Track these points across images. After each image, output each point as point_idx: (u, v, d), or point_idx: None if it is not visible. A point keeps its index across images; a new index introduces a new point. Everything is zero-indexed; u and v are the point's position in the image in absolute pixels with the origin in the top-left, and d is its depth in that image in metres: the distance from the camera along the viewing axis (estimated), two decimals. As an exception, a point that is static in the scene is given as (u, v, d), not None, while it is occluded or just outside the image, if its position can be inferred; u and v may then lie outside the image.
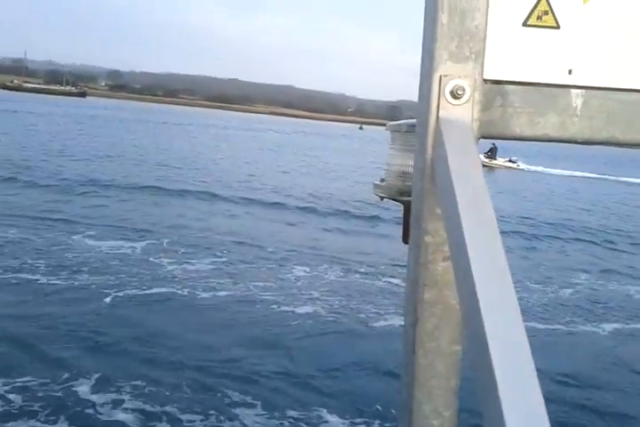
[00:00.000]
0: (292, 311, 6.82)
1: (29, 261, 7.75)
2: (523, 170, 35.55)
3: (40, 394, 4.56)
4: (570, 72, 0.87)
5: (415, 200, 0.89)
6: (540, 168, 38.24)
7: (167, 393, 4.73)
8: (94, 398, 4.58)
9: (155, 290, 7.13)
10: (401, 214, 1.14)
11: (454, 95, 0.83)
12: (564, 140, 0.90)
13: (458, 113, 0.83)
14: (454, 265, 0.73)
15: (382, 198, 1.24)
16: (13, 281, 6.97)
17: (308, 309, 6.94)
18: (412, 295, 0.90)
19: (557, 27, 0.86)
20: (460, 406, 0.90)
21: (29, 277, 7.17)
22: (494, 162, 33.94)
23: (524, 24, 0.85)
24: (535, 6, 0.85)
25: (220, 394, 4.82)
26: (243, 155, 28.83)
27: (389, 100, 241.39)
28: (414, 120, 0.95)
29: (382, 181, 1.24)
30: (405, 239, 1.01)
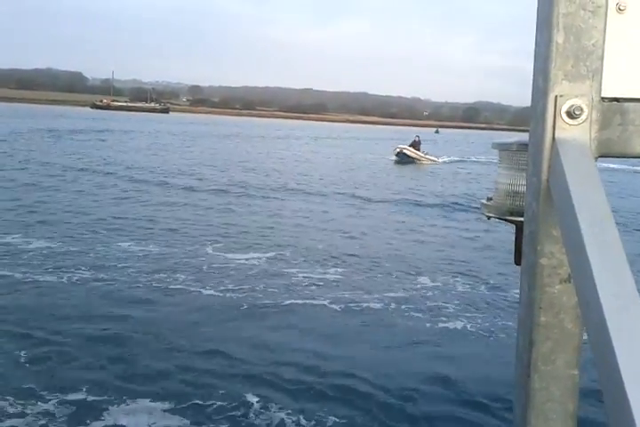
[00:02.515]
0: (446, 328, 6.73)
1: (175, 273, 8.25)
2: (444, 162, 33.80)
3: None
4: None
5: (528, 221, 0.87)
6: (446, 158, 35.84)
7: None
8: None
9: (309, 300, 7.42)
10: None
11: (571, 115, 0.81)
12: None
13: (575, 133, 0.81)
14: (578, 290, 0.70)
15: (489, 218, 1.20)
16: (170, 292, 7.46)
17: (457, 325, 6.80)
18: (526, 318, 0.88)
19: None
20: None
21: (184, 287, 7.66)
22: (418, 155, 31.76)
23: None
24: None
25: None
26: (336, 163, 29.20)
27: (466, 102, 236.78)
28: (525, 139, 0.94)
29: (489, 199, 1.20)
30: (518, 261, 0.99)
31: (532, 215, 0.86)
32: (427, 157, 32.34)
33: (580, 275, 0.67)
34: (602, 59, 0.82)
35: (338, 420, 4.63)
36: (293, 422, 4.57)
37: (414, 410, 4.88)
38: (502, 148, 1.15)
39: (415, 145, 32.11)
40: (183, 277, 8.19)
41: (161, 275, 8.17)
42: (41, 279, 7.55)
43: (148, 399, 4.75)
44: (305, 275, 8.63)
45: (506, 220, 1.15)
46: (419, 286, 8.51)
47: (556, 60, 0.81)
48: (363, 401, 4.94)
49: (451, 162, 34.92)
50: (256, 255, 9.68)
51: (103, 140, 35.13)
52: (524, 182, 0.93)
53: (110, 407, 4.58)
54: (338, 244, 11.05)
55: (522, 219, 0.92)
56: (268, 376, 5.28)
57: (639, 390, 0.53)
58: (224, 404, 4.75)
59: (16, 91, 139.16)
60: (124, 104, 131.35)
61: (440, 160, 33.74)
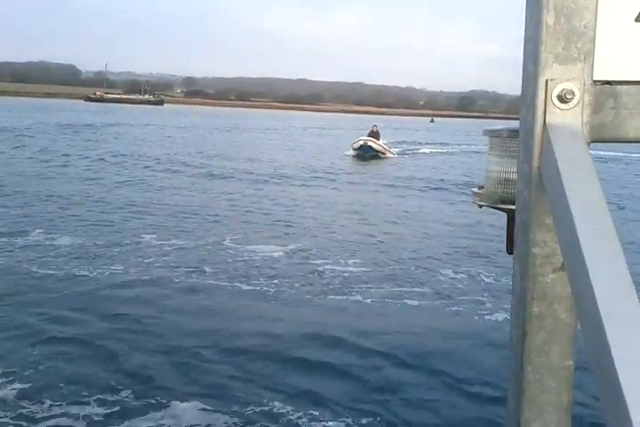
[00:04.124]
0: (489, 320, 6.66)
1: (202, 267, 8.29)
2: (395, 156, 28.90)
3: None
4: None
5: (520, 209, 0.85)
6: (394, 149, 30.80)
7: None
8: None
9: (343, 296, 7.40)
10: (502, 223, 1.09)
11: (562, 99, 0.79)
12: None
13: (566, 118, 0.79)
14: (571, 279, 0.69)
15: (481, 206, 1.17)
16: (202, 287, 7.47)
17: (500, 316, 6.71)
18: (519, 309, 0.86)
19: None
20: (573, 424, 0.87)
21: (212, 282, 7.69)
22: (383, 148, 26.94)
23: (638, 19, 0.80)
24: None
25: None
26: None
27: (461, 91, 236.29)
28: (515, 125, 0.92)
29: (481, 188, 1.18)
30: (510, 249, 0.97)
31: (523, 203, 0.84)
32: (389, 149, 27.91)
33: (573, 264, 0.66)
34: (593, 40, 0.79)
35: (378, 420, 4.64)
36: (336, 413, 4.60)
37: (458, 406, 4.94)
38: (493, 134, 1.12)
39: (374, 135, 27.11)
40: (210, 270, 8.21)
41: (188, 269, 8.17)
42: (71, 275, 7.56)
43: (184, 399, 4.68)
44: (330, 267, 8.68)
45: (497, 208, 1.13)
46: (442, 278, 8.56)
47: (547, 42, 0.78)
48: (422, 403, 4.93)
49: (403, 153, 31.14)
50: (276, 247, 9.70)
51: (116, 134, 35.09)
52: (516, 170, 0.91)
53: (145, 407, 4.52)
54: (354, 234, 11.11)
55: (513, 207, 0.90)
56: (315, 376, 5.20)
57: (633, 381, 0.53)
58: (261, 402, 4.71)
59: (9, 84, 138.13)
60: (118, 96, 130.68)
61: (395, 151, 29.47)
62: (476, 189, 1.19)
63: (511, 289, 0.89)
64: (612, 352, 0.55)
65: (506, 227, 1.07)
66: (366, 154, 25.93)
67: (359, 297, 7.38)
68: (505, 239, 1.10)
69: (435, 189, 18.63)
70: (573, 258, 0.66)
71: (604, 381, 0.56)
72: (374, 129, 27.46)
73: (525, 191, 0.83)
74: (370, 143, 26.11)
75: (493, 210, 1.18)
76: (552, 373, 0.85)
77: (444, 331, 6.41)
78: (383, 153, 26.88)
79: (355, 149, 26.48)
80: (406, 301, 7.35)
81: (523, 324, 0.85)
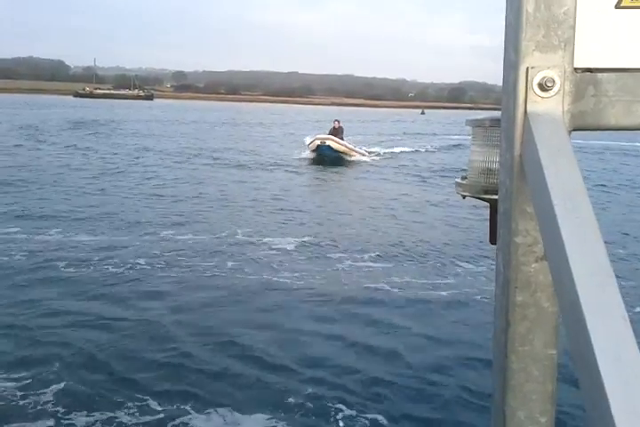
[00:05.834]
0: None
1: (224, 261, 8.27)
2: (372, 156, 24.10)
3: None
4: None
5: (502, 199, 0.86)
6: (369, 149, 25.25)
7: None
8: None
9: (371, 285, 7.44)
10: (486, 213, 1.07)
11: (543, 87, 0.79)
12: None
13: (547, 106, 0.79)
14: (552, 268, 0.69)
15: (464, 197, 1.18)
16: (227, 281, 7.44)
17: None
18: (502, 298, 0.86)
19: None
20: (558, 412, 0.87)
21: (239, 276, 7.69)
22: (347, 148, 21.72)
23: (617, 6, 0.80)
24: None
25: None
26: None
27: (452, 82, 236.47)
28: (498, 114, 0.92)
29: (464, 178, 1.18)
30: (493, 240, 0.97)
31: (505, 193, 0.84)
32: (356, 149, 22.66)
33: (554, 253, 0.66)
34: (574, 28, 0.79)
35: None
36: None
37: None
38: (475, 124, 1.12)
39: (337, 133, 21.79)
40: (232, 263, 8.19)
41: (210, 263, 8.16)
42: (99, 274, 7.51)
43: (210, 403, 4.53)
44: (350, 261, 8.66)
45: (481, 198, 1.13)
46: (461, 270, 8.55)
47: (527, 30, 0.78)
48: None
49: (381, 154, 25.40)
50: (290, 240, 9.67)
51: (128, 130, 34.83)
52: (498, 159, 0.91)
53: (168, 411, 4.36)
54: (363, 224, 11.10)
55: (496, 197, 0.90)
56: (353, 379, 5.00)
57: (612, 369, 0.53)
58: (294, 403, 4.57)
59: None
60: (108, 91, 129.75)
61: (367, 153, 23.87)
62: (459, 180, 1.19)
63: (495, 279, 0.89)
64: (592, 340, 0.55)
65: (489, 217, 1.07)
66: (325, 155, 20.81)
67: (387, 287, 7.39)
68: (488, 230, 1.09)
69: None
70: (554, 247, 0.66)
71: (583, 369, 0.56)
72: (336, 125, 22.20)
73: (507, 180, 0.83)
74: (329, 142, 20.76)
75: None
76: (536, 362, 0.85)
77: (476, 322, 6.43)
78: (348, 155, 21.73)
79: (312, 150, 21.34)
80: (433, 291, 7.37)
81: (506, 313, 0.85)
